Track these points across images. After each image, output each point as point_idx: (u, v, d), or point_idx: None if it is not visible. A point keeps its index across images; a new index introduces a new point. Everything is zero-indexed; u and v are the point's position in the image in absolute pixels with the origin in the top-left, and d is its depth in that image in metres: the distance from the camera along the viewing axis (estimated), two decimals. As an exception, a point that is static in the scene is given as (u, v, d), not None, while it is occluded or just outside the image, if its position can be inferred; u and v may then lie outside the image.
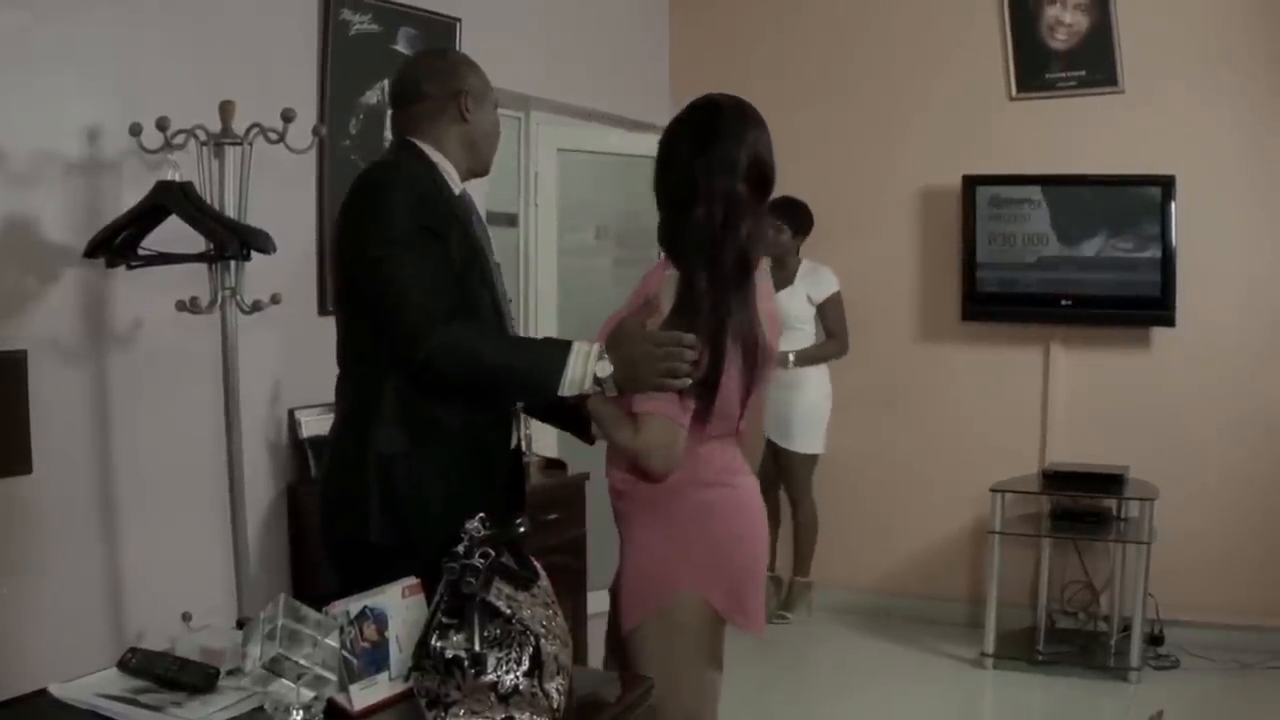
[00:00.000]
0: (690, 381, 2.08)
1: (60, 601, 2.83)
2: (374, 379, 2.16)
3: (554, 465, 4.13)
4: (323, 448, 2.80)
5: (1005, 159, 5.03)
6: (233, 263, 2.80)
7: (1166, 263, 4.80)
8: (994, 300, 5.10)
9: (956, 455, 5.18)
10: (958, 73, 5.16)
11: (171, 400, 3.08)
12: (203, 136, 2.84)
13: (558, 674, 1.69)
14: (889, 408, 5.32)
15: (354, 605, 1.73)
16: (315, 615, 1.66)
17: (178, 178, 2.76)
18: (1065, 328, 5.06)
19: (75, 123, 2.84)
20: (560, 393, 2.07)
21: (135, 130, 2.84)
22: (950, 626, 5.12)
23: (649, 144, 2.33)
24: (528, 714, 1.63)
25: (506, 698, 1.62)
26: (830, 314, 5.17)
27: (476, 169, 2.37)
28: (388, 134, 3.66)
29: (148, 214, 2.78)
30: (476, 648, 1.61)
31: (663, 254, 2.26)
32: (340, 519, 2.22)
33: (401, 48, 3.79)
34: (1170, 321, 4.83)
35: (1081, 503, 4.79)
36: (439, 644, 1.63)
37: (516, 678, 1.63)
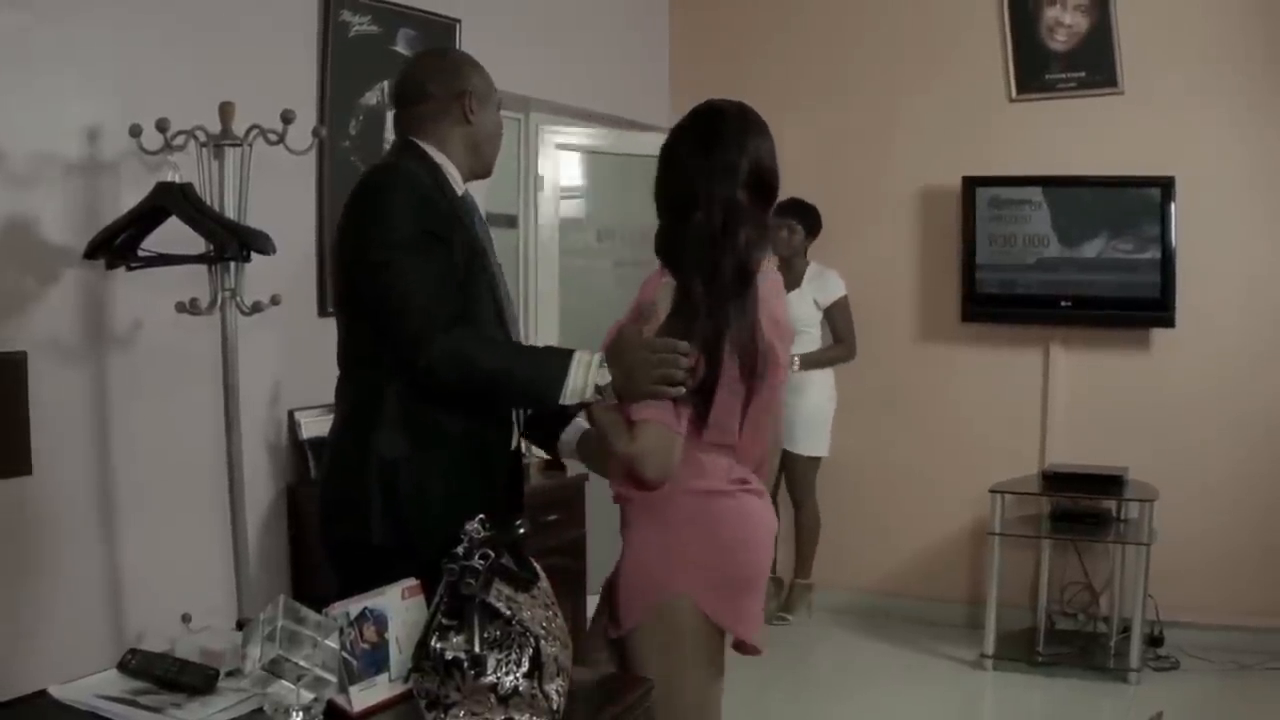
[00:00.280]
0: (684, 389, 2.07)
1: (60, 602, 2.83)
2: (375, 382, 2.16)
3: (553, 466, 4.12)
4: (322, 449, 2.79)
5: (1005, 160, 5.03)
6: (232, 264, 2.80)
7: (1166, 263, 4.80)
8: (994, 301, 5.10)
9: (956, 456, 5.18)
10: (958, 74, 5.16)
11: (171, 401, 3.08)
12: (202, 138, 2.84)
13: (557, 675, 1.69)
14: (889, 409, 5.32)
15: (354, 606, 1.73)
16: (315, 617, 1.66)
17: (177, 179, 2.76)
18: (1065, 329, 5.06)
19: (75, 123, 2.84)
20: (561, 401, 2.07)
21: (135, 131, 2.84)
22: (950, 627, 5.12)
23: (649, 143, 2.33)
24: (527, 715, 1.63)
25: (506, 699, 1.62)
26: (838, 318, 5.17)
27: (479, 170, 2.37)
28: (388, 135, 3.70)
29: (148, 215, 2.78)
30: (476, 649, 1.61)
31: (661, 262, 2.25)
32: (341, 520, 2.22)
33: (401, 49, 3.80)
34: (1170, 322, 4.83)
35: (1081, 504, 4.79)
36: (439, 645, 1.63)
37: (516, 679, 1.63)
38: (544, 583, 1.79)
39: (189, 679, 1.74)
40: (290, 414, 3.47)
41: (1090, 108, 4.96)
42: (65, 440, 2.85)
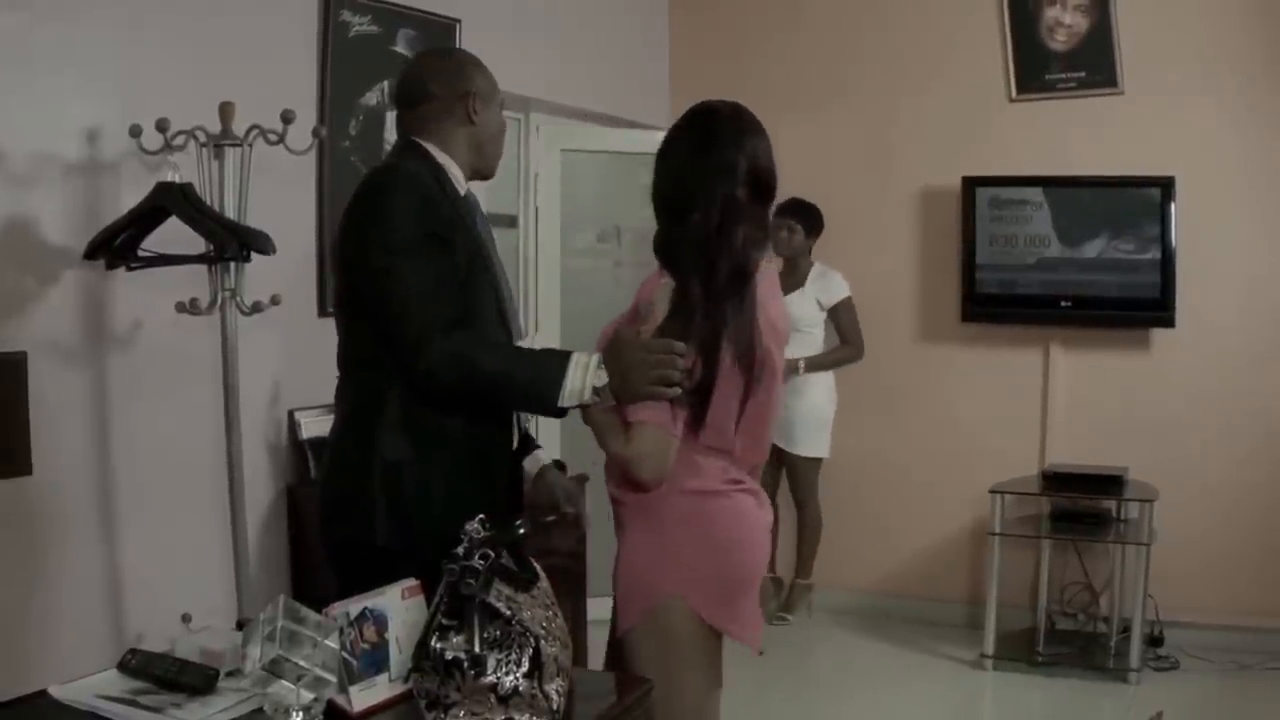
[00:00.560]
0: (680, 391, 2.07)
1: (60, 602, 2.83)
2: (377, 383, 2.16)
3: (554, 466, 4.11)
4: (322, 449, 2.79)
5: (1005, 160, 5.03)
6: (232, 264, 2.80)
7: (1166, 264, 4.80)
8: (994, 301, 5.10)
9: (956, 456, 5.18)
10: (958, 74, 5.16)
11: (171, 401, 3.08)
12: (202, 138, 2.84)
13: (557, 675, 1.69)
14: (888, 409, 5.32)
15: (354, 606, 1.73)
16: (315, 617, 1.66)
17: (177, 179, 2.76)
18: (1065, 329, 5.06)
19: (75, 124, 2.84)
20: (560, 404, 2.07)
21: (135, 131, 2.84)
22: (950, 628, 5.12)
23: (649, 142, 2.32)
24: (527, 715, 1.63)
25: (506, 699, 1.62)
26: (843, 318, 5.16)
27: (483, 171, 2.36)
28: (388, 135, 3.71)
29: (147, 215, 2.78)
30: (476, 649, 1.61)
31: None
32: (343, 521, 2.21)
33: (401, 49, 3.80)
34: (1170, 323, 4.83)
35: (1081, 504, 4.79)
36: (439, 645, 1.63)
37: (516, 679, 1.63)
38: (544, 583, 1.79)
39: (189, 679, 1.73)
40: (290, 414, 3.47)
41: (1090, 108, 4.96)
42: (65, 440, 2.84)
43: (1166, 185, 4.78)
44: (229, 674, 1.77)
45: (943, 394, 5.26)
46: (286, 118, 2.85)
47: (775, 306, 2.33)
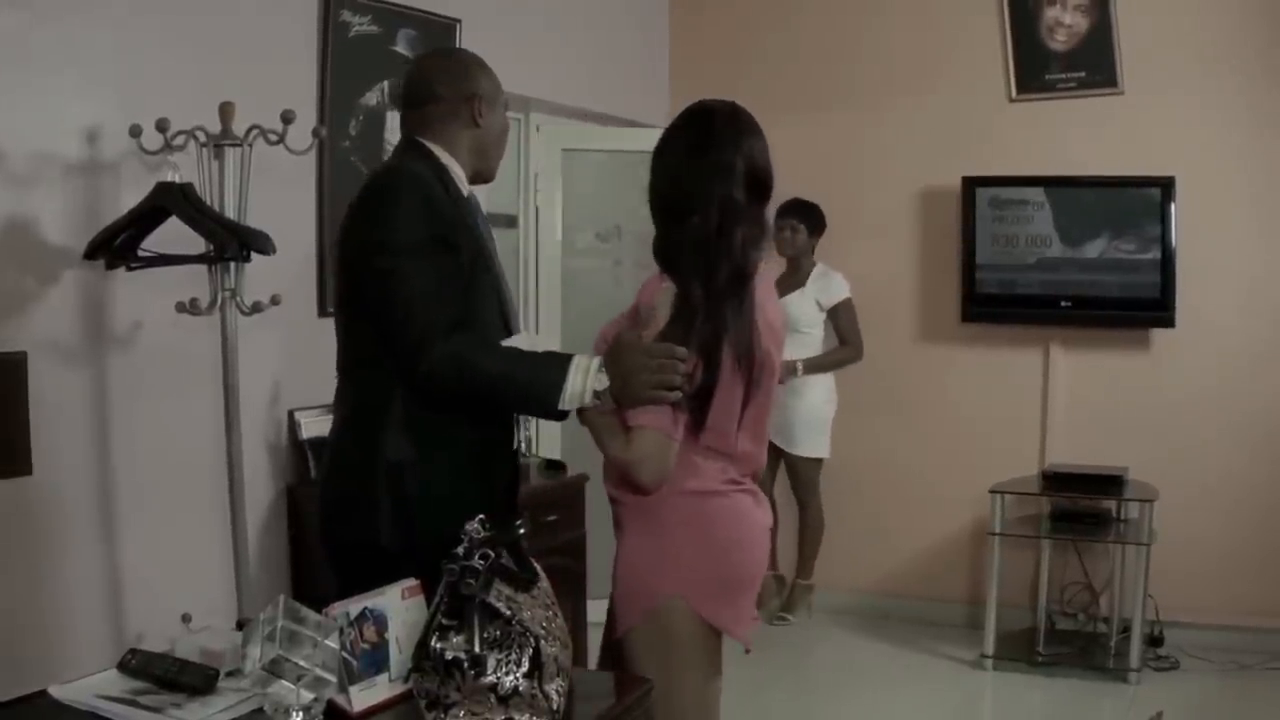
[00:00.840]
0: (681, 394, 2.07)
1: (60, 602, 2.83)
2: (380, 384, 2.15)
3: (554, 466, 4.13)
4: (323, 449, 2.79)
5: (1005, 160, 5.03)
6: (232, 264, 2.80)
7: (1166, 264, 4.80)
8: (994, 302, 5.10)
9: (956, 456, 5.18)
10: (958, 74, 5.16)
11: (171, 401, 3.08)
12: (202, 138, 2.84)
13: (557, 675, 1.69)
14: (888, 409, 5.32)
15: (354, 606, 1.73)
16: (315, 617, 1.66)
17: (177, 179, 2.76)
18: (1065, 329, 5.06)
19: (75, 124, 2.84)
20: (560, 406, 2.07)
21: (135, 131, 2.84)
22: (950, 628, 5.12)
23: (650, 142, 2.32)
24: (527, 715, 1.63)
25: (506, 699, 1.62)
26: (842, 319, 5.16)
27: (485, 173, 2.36)
28: (388, 135, 3.71)
29: (147, 215, 2.78)
30: (476, 649, 1.61)
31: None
32: (346, 522, 2.21)
33: (401, 49, 3.80)
34: (1170, 323, 4.83)
35: (1081, 504, 4.79)
36: (439, 645, 1.63)
37: (516, 679, 1.63)
38: (544, 583, 1.79)
39: (189, 679, 1.73)
40: (290, 414, 3.47)
41: (1090, 108, 4.96)
42: (65, 440, 2.84)
43: (1166, 185, 4.78)
44: (229, 674, 1.77)
45: (943, 394, 5.26)
46: (286, 118, 2.85)
47: (772, 307, 2.33)
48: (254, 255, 2.80)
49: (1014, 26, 5.06)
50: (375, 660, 1.73)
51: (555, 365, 2.08)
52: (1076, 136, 4.96)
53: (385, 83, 3.72)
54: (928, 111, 5.20)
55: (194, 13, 3.12)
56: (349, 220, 2.21)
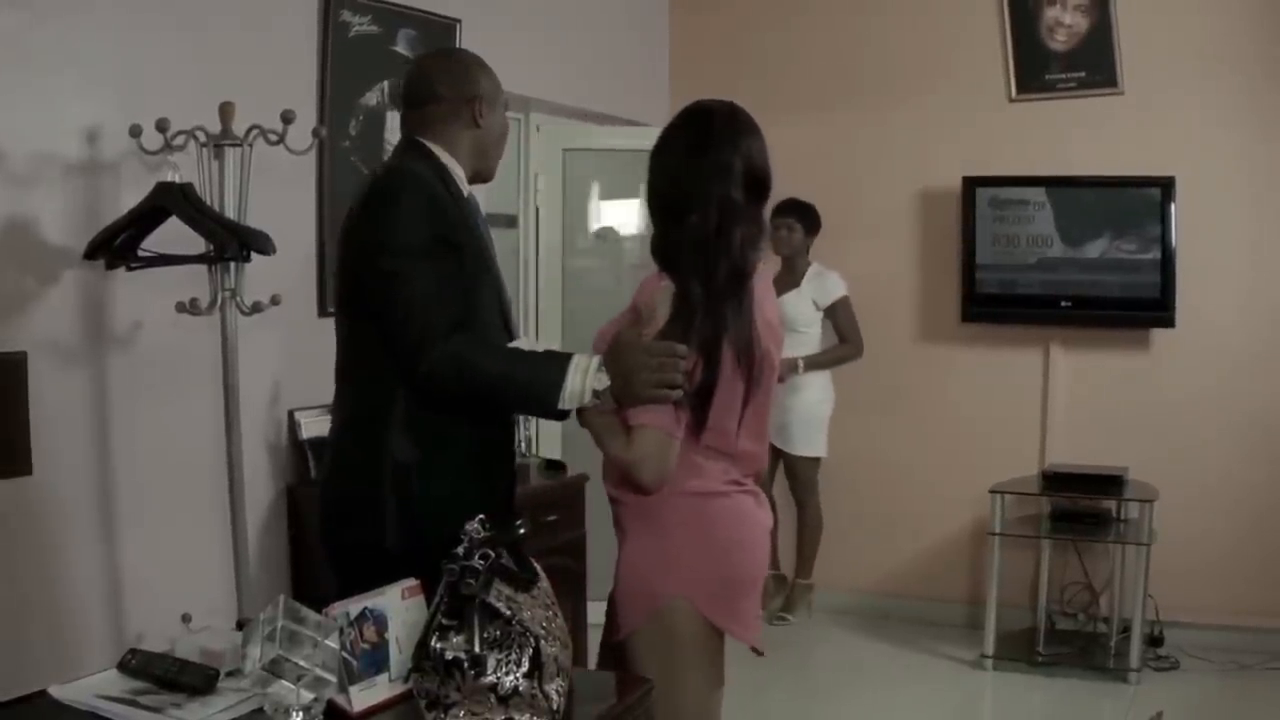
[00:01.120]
0: (682, 393, 2.06)
1: (60, 603, 2.83)
2: (382, 385, 2.15)
3: (554, 466, 4.13)
4: (323, 449, 2.79)
5: (1005, 160, 5.03)
6: (232, 264, 2.80)
7: (1166, 264, 4.80)
8: (994, 302, 5.10)
9: (956, 456, 5.18)
10: (958, 74, 5.16)
11: (171, 401, 3.08)
12: (202, 138, 2.84)
13: (557, 675, 1.69)
14: (889, 409, 5.32)
15: (354, 606, 1.73)
16: (315, 617, 1.66)
17: (177, 179, 2.76)
18: (1065, 329, 5.06)
19: (75, 124, 2.84)
20: (559, 406, 2.07)
21: (135, 131, 2.84)
22: (950, 628, 5.12)
23: (651, 140, 2.31)
24: (527, 715, 1.63)
25: (506, 699, 1.62)
26: (840, 317, 5.16)
27: (484, 174, 2.36)
28: (388, 135, 3.71)
29: (148, 215, 2.78)
30: (476, 649, 1.61)
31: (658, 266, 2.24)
32: (350, 524, 2.21)
33: (401, 49, 3.80)
34: (1170, 323, 4.83)
35: (1081, 504, 4.79)
36: (439, 645, 1.63)
37: (516, 679, 1.63)
38: (544, 583, 1.79)
39: (189, 679, 1.73)
40: (290, 414, 3.46)
41: (1090, 108, 4.96)
42: (65, 440, 2.84)
43: (1167, 185, 4.78)
44: (229, 674, 1.77)
45: (943, 394, 5.26)
46: (286, 118, 2.85)
47: (770, 306, 2.33)
48: (254, 255, 2.80)
49: (1014, 26, 5.06)
50: (375, 660, 1.73)
51: (554, 365, 2.08)
52: (1076, 136, 4.96)
53: (385, 83, 3.72)
54: (928, 111, 5.20)
55: (194, 13, 3.12)
56: (351, 221, 2.21)
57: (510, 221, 5.05)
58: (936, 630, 5.10)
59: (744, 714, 3.48)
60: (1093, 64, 4.95)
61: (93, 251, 2.75)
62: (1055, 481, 4.79)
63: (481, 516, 1.75)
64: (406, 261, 2.08)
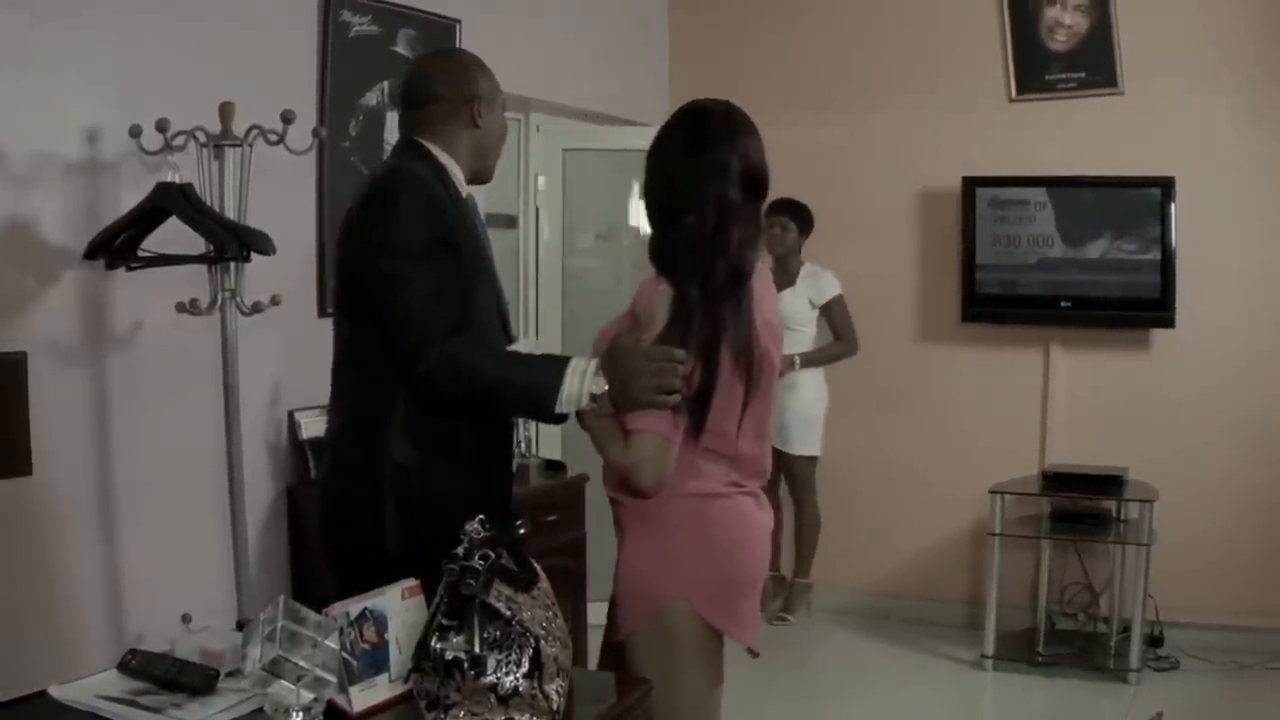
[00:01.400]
0: (680, 398, 2.06)
1: (60, 603, 2.83)
2: (382, 386, 2.14)
3: (554, 467, 4.13)
4: (322, 450, 2.79)
5: (1005, 161, 5.03)
6: (232, 264, 2.80)
7: (1166, 264, 4.80)
8: (994, 302, 5.10)
9: (956, 457, 5.18)
10: (958, 74, 5.16)
11: (171, 402, 3.08)
12: (202, 138, 2.84)
13: (557, 676, 1.69)
14: (889, 409, 5.32)
15: (353, 607, 1.73)
16: (315, 617, 1.66)
17: (177, 179, 2.76)
18: (1065, 329, 5.06)
19: (75, 124, 2.84)
20: (556, 410, 2.06)
21: (135, 132, 2.84)
22: (950, 628, 5.12)
23: (651, 140, 2.31)
24: (527, 716, 1.63)
25: (506, 699, 1.62)
26: (836, 315, 5.17)
27: (482, 174, 2.36)
28: (388, 136, 3.71)
29: (147, 215, 2.78)
30: (476, 649, 1.61)
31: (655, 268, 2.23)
32: (350, 525, 2.20)
33: (401, 49, 3.80)
34: (1170, 323, 4.83)
35: (1081, 504, 4.79)
36: (439, 646, 1.63)
37: (516, 679, 1.63)
38: (544, 583, 1.79)
39: (189, 679, 1.73)
40: (290, 414, 3.46)
41: (1090, 108, 4.96)
42: (65, 441, 2.84)
43: (1167, 185, 4.78)
44: (229, 674, 1.77)
45: (943, 394, 5.26)
46: (286, 118, 2.85)
47: (770, 305, 2.32)
48: (254, 255, 2.80)
49: (1014, 27, 5.06)
50: (375, 660, 1.73)
51: (552, 368, 2.08)
52: (1077, 137, 4.96)
53: (385, 83, 3.72)
54: (928, 111, 5.20)
55: (194, 13, 3.12)
56: (350, 221, 2.21)
57: (510, 222, 5.05)
58: (936, 630, 5.10)
59: (744, 714, 3.49)
60: (1093, 64, 4.95)
61: (93, 251, 2.75)
62: (1055, 482, 4.79)
63: (481, 517, 1.75)
64: (405, 263, 2.08)
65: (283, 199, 3.18)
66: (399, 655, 1.75)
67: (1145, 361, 4.96)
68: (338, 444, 2.28)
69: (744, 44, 5.51)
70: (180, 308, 2.82)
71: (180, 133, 2.83)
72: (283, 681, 1.59)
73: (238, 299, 2.83)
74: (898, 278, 5.35)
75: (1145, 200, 4.84)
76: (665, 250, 2.20)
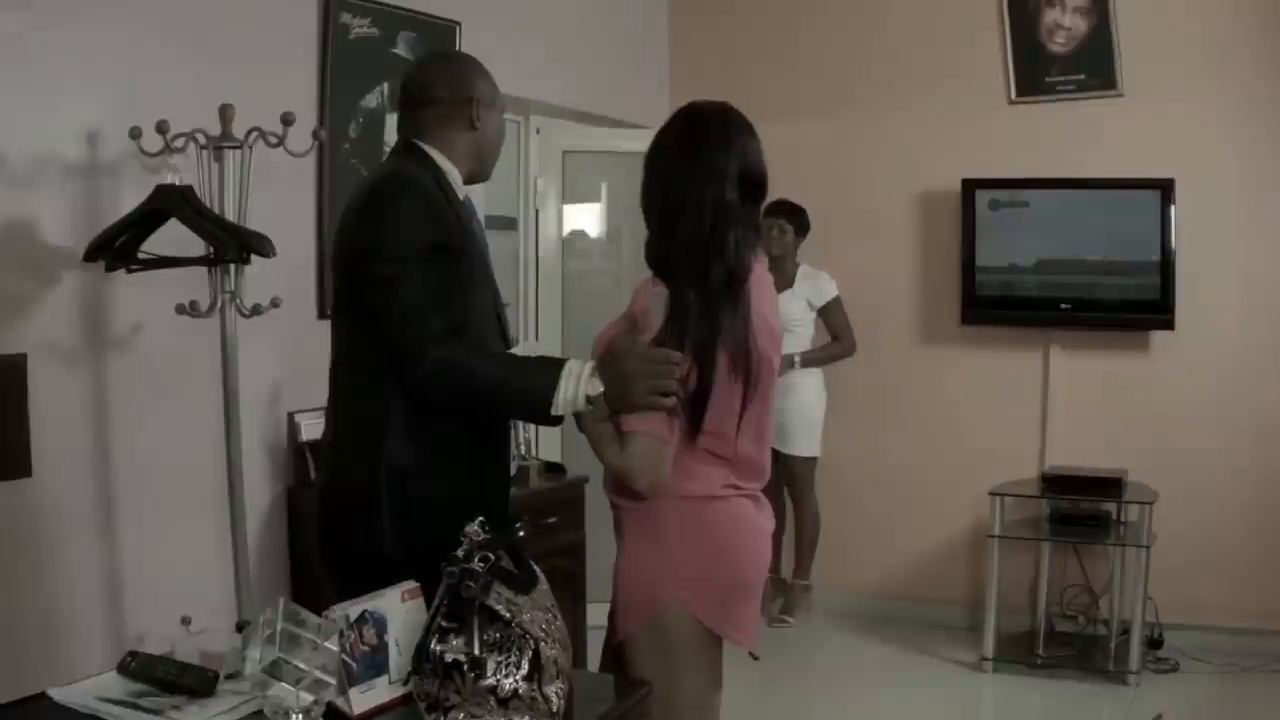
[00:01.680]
0: (677, 401, 2.05)
1: (60, 604, 2.83)
2: (380, 389, 2.14)
3: (553, 469, 4.13)
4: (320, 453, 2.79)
5: (1004, 162, 5.03)
6: (232, 266, 2.80)
7: (1165, 266, 4.80)
8: (993, 304, 5.10)
9: (956, 459, 5.18)
10: (957, 76, 5.16)
11: (171, 403, 3.08)
12: (202, 140, 2.84)
13: (557, 678, 1.69)
14: (888, 411, 5.32)
15: (353, 609, 1.73)
16: (314, 619, 1.66)
17: (177, 181, 2.76)
18: (1064, 331, 5.06)
19: (75, 126, 2.84)
20: (553, 412, 2.07)
21: (135, 134, 2.84)
22: (950, 630, 5.12)
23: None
24: (527, 718, 1.63)
25: (506, 701, 1.62)
26: (834, 316, 5.18)
27: (479, 175, 2.36)
28: (388, 137, 3.71)
29: (147, 217, 2.78)
30: (476, 652, 1.61)
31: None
32: (348, 529, 2.20)
33: (401, 51, 3.80)
34: (1169, 325, 4.82)
35: (1080, 506, 4.79)
36: (438, 648, 1.63)
37: (516, 681, 1.63)
38: (544, 585, 1.79)
39: (189, 681, 1.74)
40: (290, 416, 3.47)
41: (1090, 110, 4.96)
42: (65, 442, 2.85)
43: (1166, 187, 4.78)
44: (229, 676, 1.78)
45: (942, 396, 5.26)
46: (286, 120, 2.85)
47: (770, 305, 2.31)
48: (254, 258, 2.80)
49: (1013, 29, 5.06)
50: (375, 663, 1.73)
51: (548, 371, 2.08)
52: (1076, 139, 4.96)
53: (385, 85, 3.72)
54: (928, 113, 5.20)
55: (194, 15, 3.12)
56: (346, 223, 2.21)
57: (510, 224, 5.05)
58: (936, 632, 5.10)
59: (743, 716, 3.49)
60: (1092, 66, 4.95)
61: (93, 253, 2.75)
62: (1055, 484, 4.79)
63: (481, 519, 1.75)
64: (403, 266, 2.08)
65: (282, 201, 3.18)
66: (399, 657, 1.75)
67: (1145, 363, 4.96)
68: (336, 447, 2.27)
69: (744, 46, 5.51)
70: (180, 310, 2.82)
71: (180, 135, 2.83)
72: (282, 684, 1.59)
73: (238, 301, 2.84)
74: (897, 279, 5.35)
75: (1145, 202, 4.84)
76: (662, 252, 2.20)
